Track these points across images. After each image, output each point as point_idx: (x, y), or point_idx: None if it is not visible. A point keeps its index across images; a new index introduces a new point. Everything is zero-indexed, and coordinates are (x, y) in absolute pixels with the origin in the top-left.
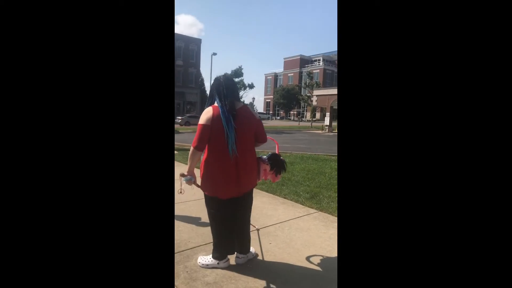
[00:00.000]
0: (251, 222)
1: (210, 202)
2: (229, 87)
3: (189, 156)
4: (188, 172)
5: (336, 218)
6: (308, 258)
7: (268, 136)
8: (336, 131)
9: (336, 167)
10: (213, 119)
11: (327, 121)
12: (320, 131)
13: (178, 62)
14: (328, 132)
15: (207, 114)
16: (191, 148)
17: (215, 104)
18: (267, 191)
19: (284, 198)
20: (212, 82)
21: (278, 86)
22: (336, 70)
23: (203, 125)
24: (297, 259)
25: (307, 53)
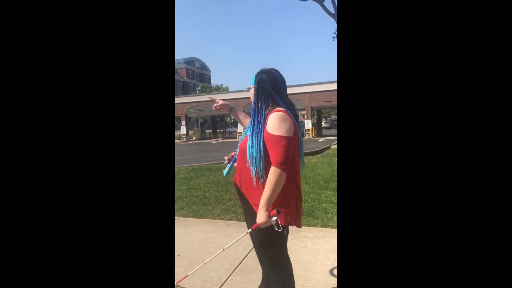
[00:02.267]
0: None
1: (282, 234)
2: (283, 83)
3: (273, 184)
4: (271, 206)
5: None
6: None
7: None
8: (194, 138)
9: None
10: (295, 129)
11: (183, 129)
12: (178, 141)
13: None
14: (186, 141)
15: (287, 122)
16: (277, 171)
17: (280, 107)
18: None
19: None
20: (257, 76)
21: None
22: (179, 78)
23: (288, 138)
24: None
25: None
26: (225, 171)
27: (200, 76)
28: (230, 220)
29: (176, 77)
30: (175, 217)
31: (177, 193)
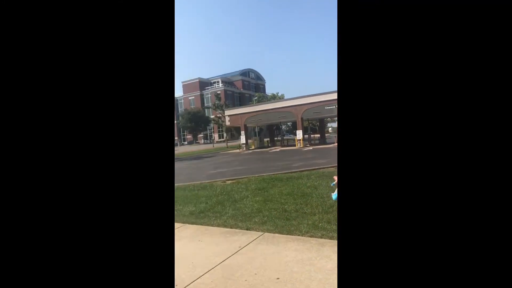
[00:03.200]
0: None
1: None
2: None
3: None
4: None
5: None
6: None
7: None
8: (253, 148)
9: (309, 184)
10: None
11: (243, 139)
12: (238, 150)
13: None
14: (246, 150)
15: None
16: None
17: None
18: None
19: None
20: None
21: (180, 110)
22: (235, 90)
23: None
24: None
25: (205, 75)
26: (334, 195)
27: (255, 86)
28: (321, 237)
29: (232, 89)
30: (261, 232)
31: (254, 205)
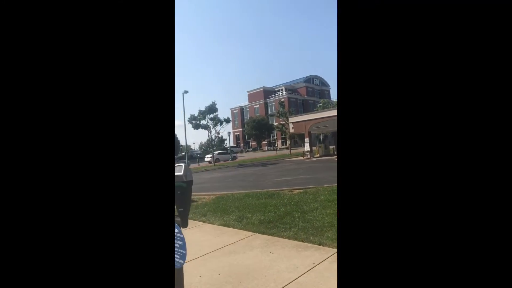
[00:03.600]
0: None
1: None
2: None
3: None
4: None
5: None
6: None
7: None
8: (318, 155)
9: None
10: None
11: (307, 146)
12: (302, 158)
13: None
14: (310, 157)
15: None
16: None
17: None
18: None
19: None
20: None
21: (245, 118)
22: (299, 97)
23: None
24: None
25: (269, 84)
26: None
27: (319, 92)
28: None
29: (296, 96)
30: (335, 249)
31: (325, 218)
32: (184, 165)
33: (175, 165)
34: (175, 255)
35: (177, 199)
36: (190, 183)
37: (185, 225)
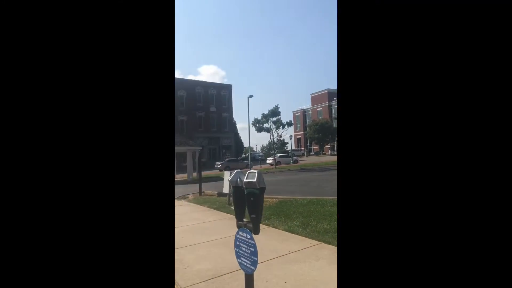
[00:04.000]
0: None
1: None
2: None
3: None
4: None
5: None
6: None
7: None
8: None
9: None
10: None
11: None
12: None
13: (212, 108)
14: None
15: None
16: None
17: None
18: None
19: None
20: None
21: (307, 121)
22: None
23: None
24: None
25: (334, 86)
26: None
27: None
28: None
29: None
30: None
31: None
32: (258, 172)
33: (249, 171)
34: (247, 261)
35: (250, 205)
36: (262, 190)
37: (257, 232)
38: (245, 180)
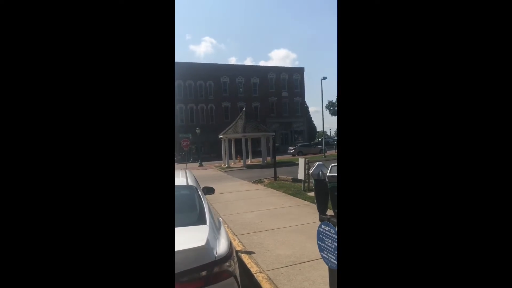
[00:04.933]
0: None
1: None
2: None
3: None
4: None
5: None
6: None
7: None
8: None
9: None
10: None
11: None
12: None
13: (284, 93)
14: None
15: None
16: None
17: None
18: None
19: None
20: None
21: None
22: None
23: None
24: None
25: None
26: None
27: None
28: None
29: None
30: None
31: None
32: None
33: (332, 164)
34: (331, 256)
35: (333, 200)
36: None
37: None
38: (328, 173)
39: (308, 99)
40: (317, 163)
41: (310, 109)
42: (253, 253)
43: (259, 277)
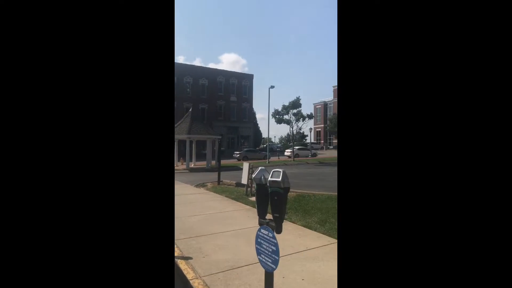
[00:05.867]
0: None
1: None
2: None
3: None
4: None
5: None
6: None
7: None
8: None
9: None
10: None
11: None
12: None
13: (232, 98)
14: None
15: None
16: None
17: None
18: None
19: None
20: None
21: (329, 114)
22: None
23: None
24: None
25: None
26: None
27: None
28: None
29: None
30: None
31: None
32: (283, 171)
33: (274, 170)
34: (268, 259)
35: (273, 204)
36: (287, 189)
37: (279, 231)
38: (269, 178)
39: (256, 106)
40: (259, 168)
41: (257, 116)
42: (191, 258)
43: (195, 283)
